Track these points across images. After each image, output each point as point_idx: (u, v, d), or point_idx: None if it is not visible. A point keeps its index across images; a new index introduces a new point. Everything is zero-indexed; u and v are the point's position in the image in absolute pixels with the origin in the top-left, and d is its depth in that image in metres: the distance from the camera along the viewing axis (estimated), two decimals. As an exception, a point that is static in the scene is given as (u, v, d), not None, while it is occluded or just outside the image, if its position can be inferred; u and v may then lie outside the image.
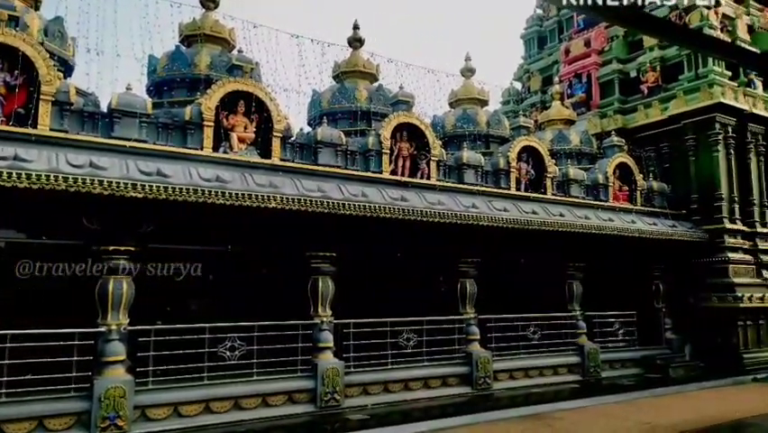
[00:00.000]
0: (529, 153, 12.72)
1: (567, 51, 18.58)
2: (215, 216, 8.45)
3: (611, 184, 13.77)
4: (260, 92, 9.47)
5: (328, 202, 8.90)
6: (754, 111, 15.01)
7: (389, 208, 9.58)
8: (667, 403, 9.81)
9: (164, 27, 12.59)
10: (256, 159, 9.12)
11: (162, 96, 10.50)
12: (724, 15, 16.09)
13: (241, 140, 9.27)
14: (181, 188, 7.63)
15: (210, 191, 7.84)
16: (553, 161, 13.28)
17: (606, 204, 13.41)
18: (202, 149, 8.73)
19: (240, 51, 10.54)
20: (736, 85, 15.16)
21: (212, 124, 8.89)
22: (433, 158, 11.12)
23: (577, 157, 15.09)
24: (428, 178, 11.00)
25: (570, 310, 12.69)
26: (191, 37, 11.04)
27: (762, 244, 14.77)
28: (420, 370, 10.25)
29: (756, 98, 15.30)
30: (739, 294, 13.57)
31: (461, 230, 10.60)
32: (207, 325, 8.45)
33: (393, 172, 10.63)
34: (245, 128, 9.34)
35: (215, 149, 8.92)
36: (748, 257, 14.42)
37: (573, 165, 14.27)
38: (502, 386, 11.05)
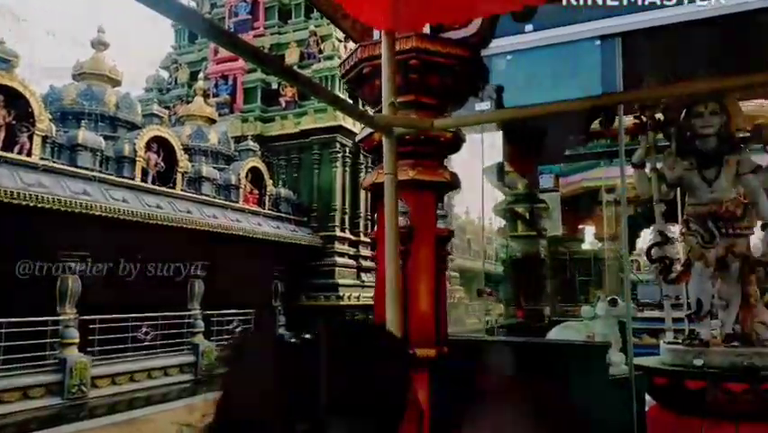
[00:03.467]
0: (161, 144, 12.15)
1: (216, 51, 18.55)
2: None
3: (243, 186, 14.21)
4: None
5: None
6: (367, 137, 17.63)
7: (-38, 185, 7.77)
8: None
9: None
10: None
11: None
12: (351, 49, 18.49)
13: None
14: None
15: None
16: (187, 156, 12.97)
17: (236, 205, 13.75)
18: None
19: None
20: (356, 112, 17.52)
21: None
22: (38, 132, 9.60)
23: (214, 156, 15.10)
24: (29, 154, 9.39)
25: (189, 309, 12.45)
26: None
27: (363, 252, 17.35)
28: (-10, 383, 8.49)
29: (370, 127, 17.99)
30: (341, 294, 15.60)
31: (66, 218, 9.33)
32: None
33: (-23, 142, 8.70)
34: None
35: None
36: (352, 262, 16.74)
37: (209, 164, 14.21)
38: (102, 393, 10.01)
